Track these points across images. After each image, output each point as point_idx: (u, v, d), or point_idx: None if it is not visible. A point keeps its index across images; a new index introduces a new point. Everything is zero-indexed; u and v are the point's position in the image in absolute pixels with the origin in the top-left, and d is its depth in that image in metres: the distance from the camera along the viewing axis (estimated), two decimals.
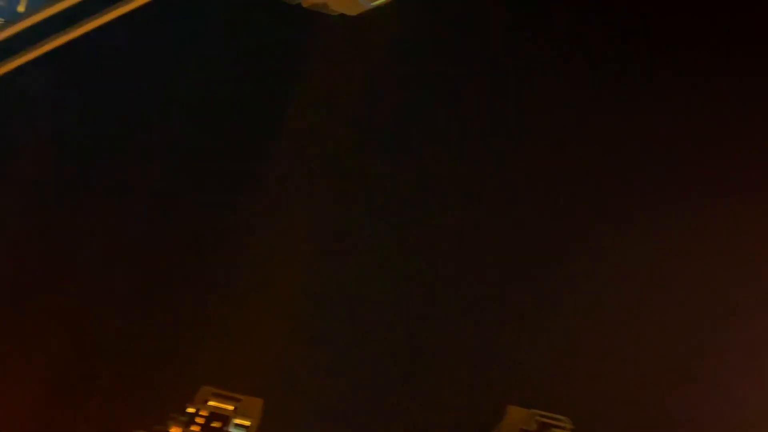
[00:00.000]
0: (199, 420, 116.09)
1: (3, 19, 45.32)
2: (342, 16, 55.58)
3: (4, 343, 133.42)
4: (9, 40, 46.04)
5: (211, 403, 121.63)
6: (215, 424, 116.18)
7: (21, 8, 45.36)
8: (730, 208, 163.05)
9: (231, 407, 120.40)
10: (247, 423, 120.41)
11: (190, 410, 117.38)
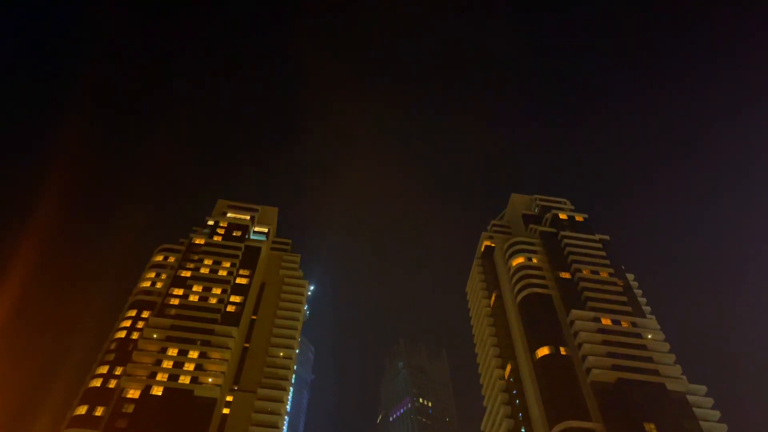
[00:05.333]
0: (219, 231, 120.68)
1: None
2: None
3: None
4: None
5: (229, 215, 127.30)
6: (236, 233, 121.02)
7: None
8: None
9: (248, 217, 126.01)
10: (264, 229, 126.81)
11: (210, 222, 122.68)
